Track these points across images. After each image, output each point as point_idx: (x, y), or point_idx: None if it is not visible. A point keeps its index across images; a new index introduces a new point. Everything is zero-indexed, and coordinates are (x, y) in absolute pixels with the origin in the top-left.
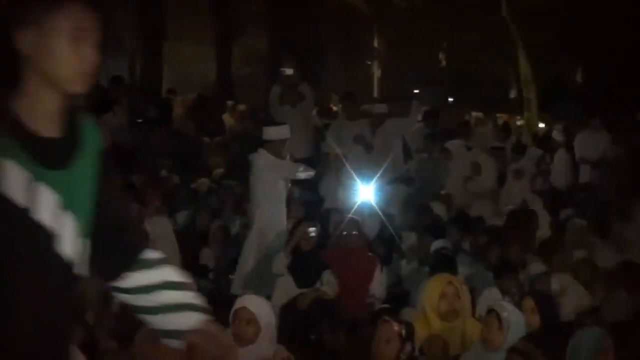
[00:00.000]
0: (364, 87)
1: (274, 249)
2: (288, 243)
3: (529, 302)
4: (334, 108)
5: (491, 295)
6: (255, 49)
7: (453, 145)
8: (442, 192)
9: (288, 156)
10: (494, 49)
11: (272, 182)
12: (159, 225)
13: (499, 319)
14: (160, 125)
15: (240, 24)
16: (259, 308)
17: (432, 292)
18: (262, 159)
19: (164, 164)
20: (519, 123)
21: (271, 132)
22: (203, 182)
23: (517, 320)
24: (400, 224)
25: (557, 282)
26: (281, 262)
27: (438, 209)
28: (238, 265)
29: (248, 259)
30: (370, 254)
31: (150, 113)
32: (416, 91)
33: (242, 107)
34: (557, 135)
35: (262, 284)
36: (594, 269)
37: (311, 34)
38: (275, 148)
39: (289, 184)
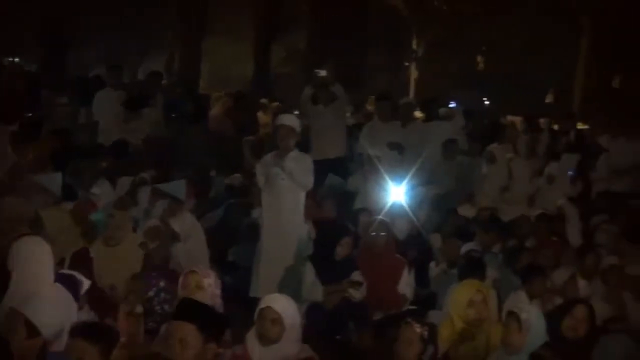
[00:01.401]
0: (401, 89)
1: (297, 252)
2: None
3: (582, 310)
4: (369, 108)
5: (517, 299)
6: (295, 49)
7: (494, 149)
8: (474, 196)
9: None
10: (534, 54)
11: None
12: (187, 223)
13: (519, 321)
14: (196, 121)
15: (280, 23)
16: (284, 308)
17: (460, 299)
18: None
19: (204, 160)
20: (555, 127)
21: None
22: (236, 178)
23: (537, 323)
24: (430, 226)
25: (587, 288)
26: (310, 271)
27: (468, 211)
28: (254, 267)
29: (263, 261)
30: (398, 255)
31: (187, 109)
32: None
33: (275, 104)
34: (603, 141)
35: (283, 288)
36: (623, 275)
37: (351, 35)
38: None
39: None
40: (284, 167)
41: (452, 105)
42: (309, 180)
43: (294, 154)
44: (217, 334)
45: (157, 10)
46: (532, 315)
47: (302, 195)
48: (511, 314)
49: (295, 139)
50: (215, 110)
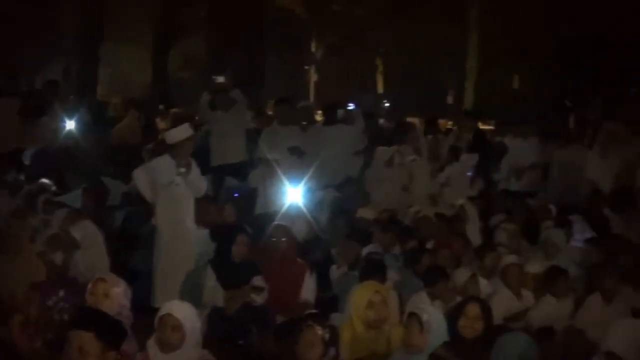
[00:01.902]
0: (301, 92)
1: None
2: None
3: (474, 309)
4: (270, 113)
5: (419, 300)
6: (193, 54)
7: (389, 150)
8: (374, 198)
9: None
10: (433, 56)
11: (167, 187)
12: (86, 230)
13: (420, 322)
14: (95, 128)
15: (179, 28)
16: (184, 314)
17: (360, 300)
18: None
19: (101, 168)
20: (455, 128)
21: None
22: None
23: (438, 324)
24: (331, 229)
25: (487, 287)
26: (210, 275)
27: (368, 213)
28: (154, 275)
29: (161, 268)
30: (300, 259)
31: (85, 117)
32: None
33: (174, 110)
34: (507, 141)
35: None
36: (523, 274)
37: (250, 39)
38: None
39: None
40: (186, 176)
41: (351, 107)
42: (204, 186)
43: (192, 161)
44: (116, 342)
45: (54, 17)
46: (433, 316)
47: (193, 200)
48: (412, 315)
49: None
50: (125, 121)
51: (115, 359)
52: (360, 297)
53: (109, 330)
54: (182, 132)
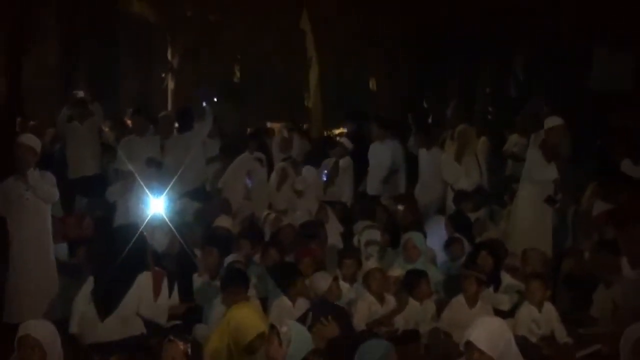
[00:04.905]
0: (159, 100)
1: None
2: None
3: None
4: (128, 122)
5: (281, 305)
6: (47, 64)
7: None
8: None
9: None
10: (288, 58)
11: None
12: None
13: (279, 334)
14: None
15: (31, 37)
16: (42, 333)
17: (248, 329)
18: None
19: None
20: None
21: None
22: None
23: (299, 335)
24: (192, 239)
25: (350, 292)
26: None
27: (225, 222)
28: (6, 290)
29: (18, 284)
30: (156, 268)
31: None
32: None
33: (33, 123)
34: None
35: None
36: (385, 278)
37: (104, 47)
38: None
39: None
40: (27, 185)
41: (206, 108)
42: (54, 193)
43: (36, 171)
44: None
45: None
46: (293, 328)
47: (48, 213)
48: (272, 327)
49: (35, 159)
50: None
51: None
52: (250, 326)
53: None
54: (29, 138)
